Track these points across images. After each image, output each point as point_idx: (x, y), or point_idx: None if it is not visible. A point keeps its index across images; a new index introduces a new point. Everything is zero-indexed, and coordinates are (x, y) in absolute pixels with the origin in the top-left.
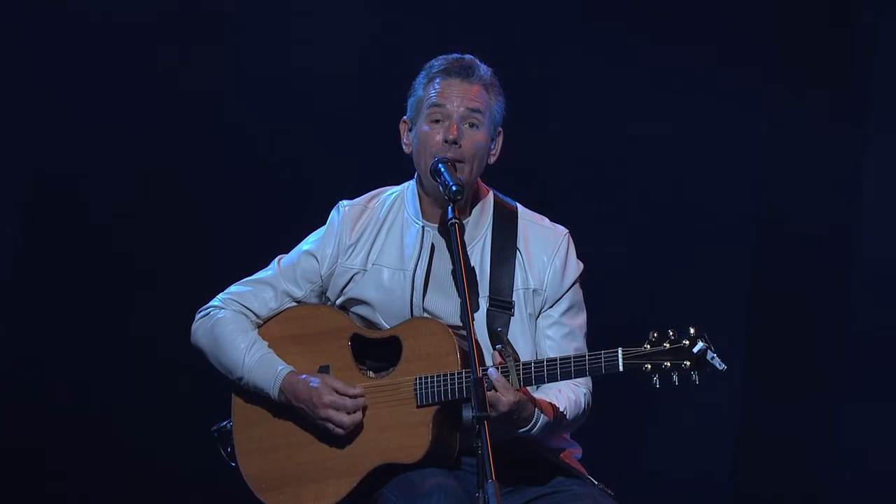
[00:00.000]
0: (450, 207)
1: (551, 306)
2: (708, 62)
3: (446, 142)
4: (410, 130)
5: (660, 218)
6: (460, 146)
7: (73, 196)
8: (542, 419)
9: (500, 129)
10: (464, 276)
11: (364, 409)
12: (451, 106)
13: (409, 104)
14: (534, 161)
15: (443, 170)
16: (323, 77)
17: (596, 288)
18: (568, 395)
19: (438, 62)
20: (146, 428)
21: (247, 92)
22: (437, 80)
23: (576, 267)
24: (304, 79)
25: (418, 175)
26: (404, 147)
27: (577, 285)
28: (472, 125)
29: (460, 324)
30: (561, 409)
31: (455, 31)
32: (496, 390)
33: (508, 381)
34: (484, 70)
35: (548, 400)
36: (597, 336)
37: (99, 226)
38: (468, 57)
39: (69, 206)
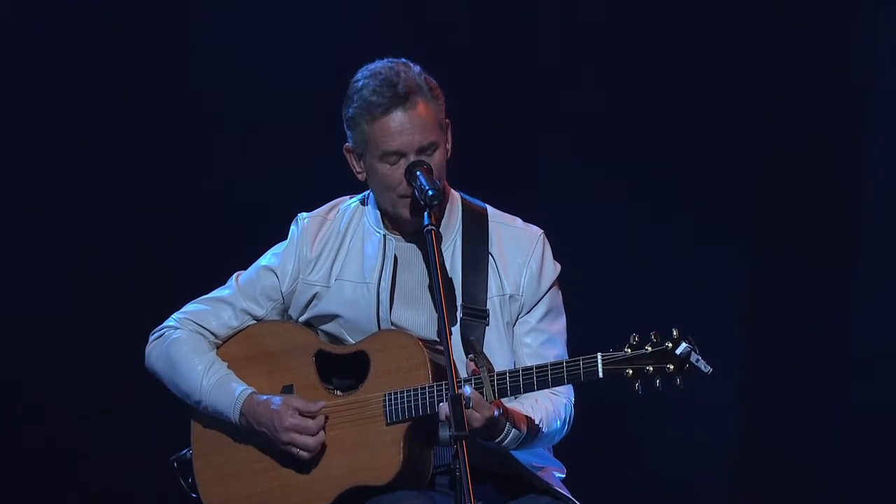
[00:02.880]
0: (426, 213)
1: (528, 312)
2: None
3: None
4: (361, 158)
5: (650, 211)
6: None
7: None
8: (514, 432)
9: (447, 121)
10: (441, 289)
11: (330, 429)
12: (406, 147)
13: (349, 133)
14: (513, 150)
15: (419, 174)
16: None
17: (577, 289)
18: (546, 406)
19: (373, 95)
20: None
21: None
22: (381, 121)
23: (552, 269)
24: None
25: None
26: (357, 175)
27: (556, 288)
28: (430, 153)
29: (432, 338)
30: (536, 421)
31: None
32: (471, 406)
33: (482, 393)
34: (417, 81)
35: (522, 411)
36: (577, 341)
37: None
38: (399, 75)
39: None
